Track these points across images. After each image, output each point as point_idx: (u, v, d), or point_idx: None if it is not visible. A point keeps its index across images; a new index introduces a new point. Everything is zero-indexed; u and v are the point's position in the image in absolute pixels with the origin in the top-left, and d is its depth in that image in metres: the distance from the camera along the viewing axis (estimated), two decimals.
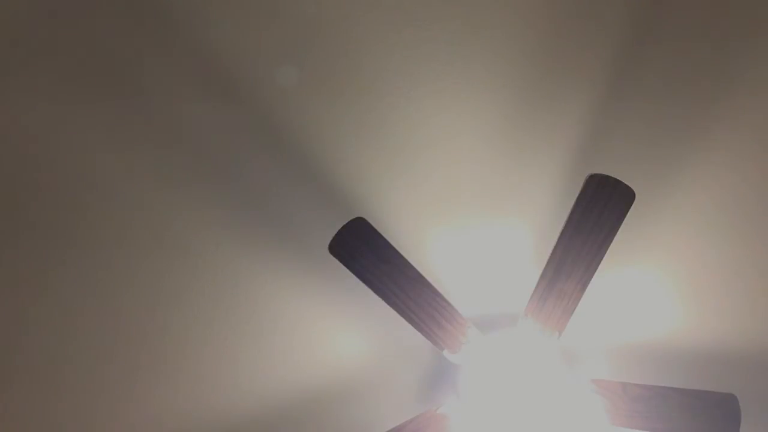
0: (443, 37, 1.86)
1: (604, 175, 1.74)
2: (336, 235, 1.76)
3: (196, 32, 1.82)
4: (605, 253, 1.78)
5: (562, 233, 1.78)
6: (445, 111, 1.94)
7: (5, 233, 2.02)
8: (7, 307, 2.12)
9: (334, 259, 1.78)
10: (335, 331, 2.22)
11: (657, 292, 2.19)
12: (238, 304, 2.16)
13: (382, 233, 1.79)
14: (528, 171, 2.02)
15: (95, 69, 1.83)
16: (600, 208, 1.74)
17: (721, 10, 1.83)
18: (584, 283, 1.81)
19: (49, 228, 2.02)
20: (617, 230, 1.76)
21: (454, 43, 1.86)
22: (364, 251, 1.77)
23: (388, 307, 1.84)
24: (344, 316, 2.20)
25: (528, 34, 1.85)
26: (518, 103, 1.94)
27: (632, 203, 1.76)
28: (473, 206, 2.07)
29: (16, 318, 2.14)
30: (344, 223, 1.77)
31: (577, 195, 1.75)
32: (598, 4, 1.82)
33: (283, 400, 2.31)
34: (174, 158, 1.96)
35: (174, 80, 1.86)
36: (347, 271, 1.79)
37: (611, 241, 1.77)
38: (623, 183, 1.74)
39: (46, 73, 1.83)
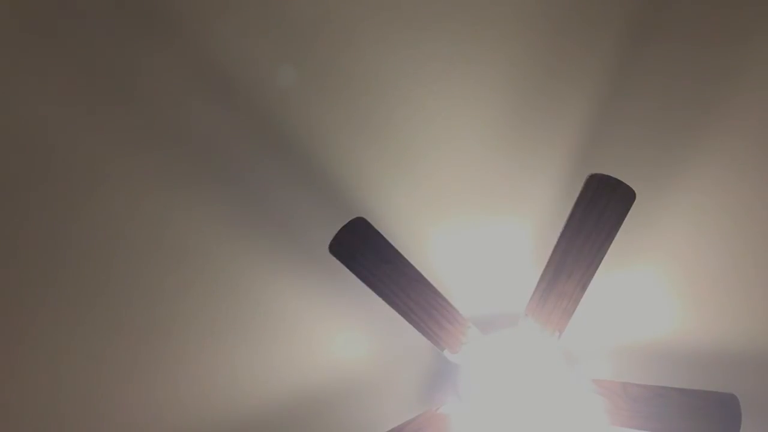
0: (444, 37, 1.86)
1: (604, 175, 1.74)
2: (336, 234, 1.76)
3: (196, 32, 1.82)
4: (605, 254, 1.78)
5: (563, 233, 1.77)
6: (446, 111, 1.94)
7: (5, 233, 2.02)
8: (8, 306, 2.12)
9: (334, 259, 1.78)
10: (335, 330, 2.22)
11: (657, 293, 2.19)
12: (238, 305, 2.16)
13: (382, 233, 1.79)
14: (528, 171, 2.02)
15: (96, 70, 1.83)
16: (600, 209, 1.74)
17: (720, 10, 1.83)
18: (584, 284, 1.81)
19: (49, 227, 2.02)
20: (618, 230, 1.76)
21: (455, 44, 1.86)
22: (365, 251, 1.77)
23: (389, 307, 1.84)
24: (344, 316, 2.19)
25: (529, 35, 1.85)
26: (519, 104, 1.94)
27: (632, 203, 1.76)
28: (474, 206, 2.06)
29: (16, 317, 2.14)
30: (344, 222, 1.77)
31: (577, 195, 1.75)
32: (598, 5, 1.82)
33: (283, 400, 2.31)
34: (174, 158, 1.96)
35: (174, 80, 1.86)
36: (347, 271, 1.79)
37: (612, 242, 1.77)
38: (624, 183, 1.74)
39: (47, 73, 1.83)
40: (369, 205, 2.04)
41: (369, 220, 1.78)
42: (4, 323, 2.14)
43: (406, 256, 1.81)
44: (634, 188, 1.75)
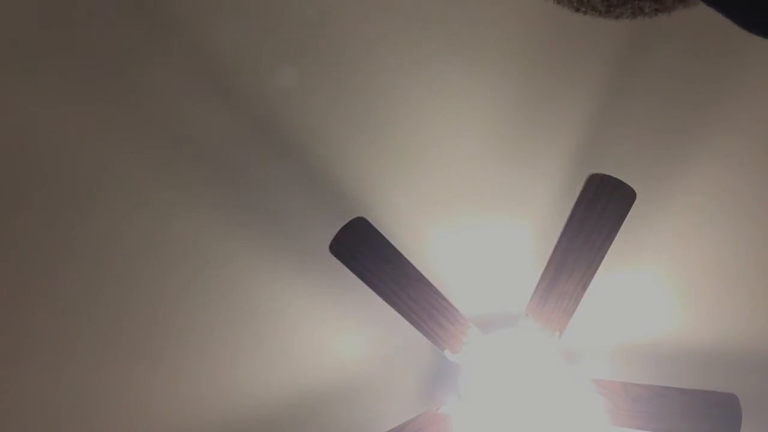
0: (443, 38, 1.86)
1: (605, 175, 1.74)
2: (337, 234, 1.76)
3: (197, 32, 1.82)
4: (606, 253, 1.78)
5: (563, 233, 1.78)
6: (446, 111, 1.94)
7: (6, 233, 2.02)
8: (8, 305, 2.12)
9: (334, 258, 1.78)
10: (336, 330, 2.22)
11: (658, 292, 2.19)
12: (238, 304, 2.16)
13: (382, 233, 1.79)
14: (529, 171, 2.02)
15: (96, 69, 1.84)
16: (601, 208, 1.74)
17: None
18: (585, 283, 1.81)
19: (49, 227, 2.02)
20: (618, 230, 1.76)
21: (455, 44, 1.86)
22: (365, 251, 1.77)
23: (389, 306, 1.83)
24: (345, 316, 2.19)
25: (528, 35, 1.85)
26: (519, 104, 1.94)
27: (633, 203, 1.76)
28: (474, 206, 2.06)
29: (16, 317, 2.14)
30: (345, 222, 1.77)
31: (577, 195, 1.75)
32: None
33: (283, 399, 2.31)
34: (174, 158, 1.96)
35: (175, 80, 1.86)
36: (348, 270, 1.79)
37: (612, 241, 1.77)
38: (624, 183, 1.74)
39: (47, 73, 1.83)
40: (369, 205, 2.04)
41: (369, 220, 1.78)
42: (4, 323, 2.14)
43: (406, 256, 1.81)
44: (634, 188, 1.75)
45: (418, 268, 1.82)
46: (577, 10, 1.35)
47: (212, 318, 2.18)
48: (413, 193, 2.04)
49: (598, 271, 1.80)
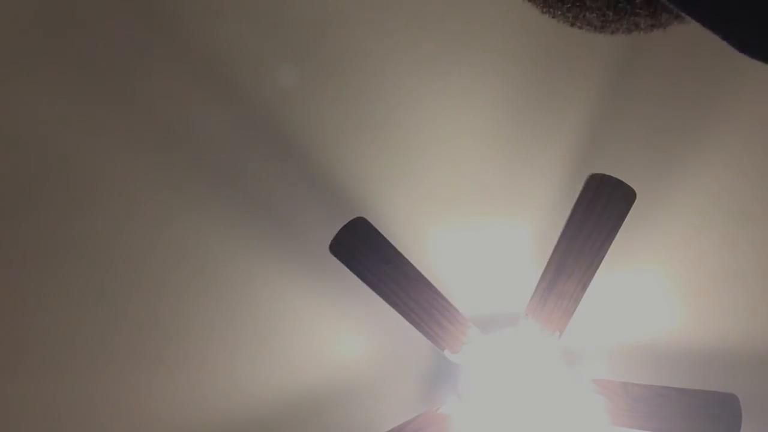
0: (444, 38, 1.86)
1: (605, 175, 1.74)
2: (337, 234, 1.76)
3: (197, 32, 1.82)
4: (606, 253, 1.78)
5: (563, 233, 1.78)
6: (446, 111, 1.94)
7: (7, 233, 2.02)
8: (9, 305, 2.12)
9: (334, 258, 1.78)
10: (336, 330, 2.22)
11: (657, 292, 2.19)
12: (238, 304, 2.16)
13: (382, 233, 1.79)
14: (529, 171, 2.02)
15: (97, 70, 1.83)
16: (601, 208, 1.74)
17: None
18: (585, 283, 1.81)
19: (50, 228, 2.02)
20: (618, 230, 1.76)
21: (455, 44, 1.86)
22: (365, 251, 1.77)
23: (389, 306, 1.83)
24: (345, 316, 2.19)
25: (529, 35, 1.85)
26: (519, 104, 1.94)
27: (633, 203, 1.76)
28: (474, 206, 2.06)
29: (17, 317, 2.14)
30: (345, 222, 1.77)
31: (577, 195, 1.75)
32: None
33: (283, 399, 2.31)
34: (175, 158, 1.96)
35: (175, 80, 1.86)
36: (348, 270, 1.79)
37: (612, 241, 1.77)
38: (624, 183, 1.74)
39: (47, 74, 1.83)
40: (369, 204, 2.04)
41: (369, 219, 1.78)
42: (4, 323, 2.14)
43: (406, 256, 1.81)
44: (634, 188, 1.75)
45: (418, 268, 1.82)
46: (573, 24, 1.37)
47: (212, 318, 2.18)
48: (413, 193, 2.04)
49: (598, 271, 1.80)
